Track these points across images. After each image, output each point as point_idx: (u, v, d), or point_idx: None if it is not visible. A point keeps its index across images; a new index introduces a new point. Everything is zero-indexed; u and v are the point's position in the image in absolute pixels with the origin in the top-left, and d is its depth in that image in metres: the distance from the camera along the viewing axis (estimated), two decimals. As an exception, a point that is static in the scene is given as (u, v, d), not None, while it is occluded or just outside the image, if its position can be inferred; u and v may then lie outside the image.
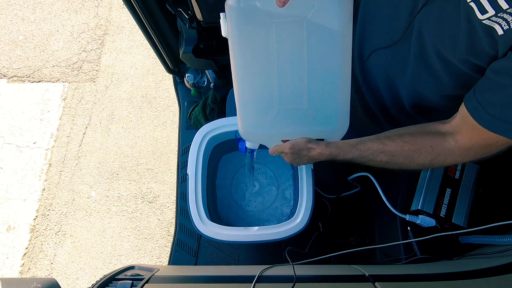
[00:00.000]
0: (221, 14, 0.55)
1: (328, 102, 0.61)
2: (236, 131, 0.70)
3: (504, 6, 0.39)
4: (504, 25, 0.41)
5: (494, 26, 0.42)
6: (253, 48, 0.57)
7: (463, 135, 0.54)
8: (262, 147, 0.76)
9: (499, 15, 0.41)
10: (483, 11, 0.42)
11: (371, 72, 0.73)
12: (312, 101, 0.61)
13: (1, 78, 2.06)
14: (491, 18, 0.42)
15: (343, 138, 0.67)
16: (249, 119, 0.66)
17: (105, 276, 0.49)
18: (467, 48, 0.47)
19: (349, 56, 0.56)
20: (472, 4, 0.43)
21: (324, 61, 0.57)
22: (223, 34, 0.57)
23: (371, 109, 0.81)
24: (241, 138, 0.73)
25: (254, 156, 0.82)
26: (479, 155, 0.54)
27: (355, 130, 0.68)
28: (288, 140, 0.68)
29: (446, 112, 0.60)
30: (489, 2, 0.41)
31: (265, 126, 0.66)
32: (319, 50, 0.55)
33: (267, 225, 0.78)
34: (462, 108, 0.53)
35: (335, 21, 0.52)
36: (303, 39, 0.54)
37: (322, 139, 0.68)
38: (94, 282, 0.48)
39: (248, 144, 0.76)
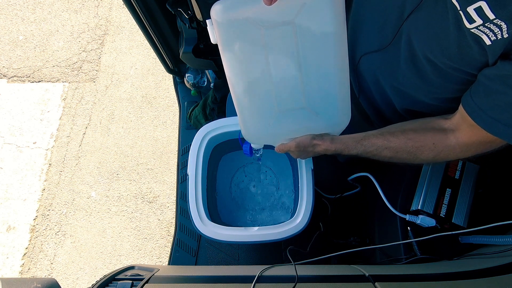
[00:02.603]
0: (207, 21, 0.53)
1: (328, 98, 0.60)
2: (240, 132, 0.70)
3: (491, 16, 0.40)
4: (492, 36, 0.41)
5: (482, 37, 0.42)
6: (244, 55, 0.55)
7: (463, 132, 0.55)
8: (266, 146, 0.75)
9: (486, 25, 0.41)
10: (470, 20, 0.42)
11: (363, 75, 0.73)
12: (312, 99, 0.60)
13: (1, 78, 2.06)
14: (478, 28, 0.42)
15: (343, 133, 0.67)
16: (250, 123, 0.65)
17: (105, 276, 0.49)
18: (456, 55, 0.48)
19: (344, 47, 0.54)
20: (461, 13, 0.43)
21: (319, 58, 0.55)
22: (212, 41, 0.55)
23: (367, 113, 0.81)
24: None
25: (261, 156, 0.81)
26: (480, 151, 0.55)
27: (351, 130, 0.68)
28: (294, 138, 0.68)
29: (439, 114, 0.60)
30: (476, 12, 0.41)
31: (267, 128, 0.65)
32: (312, 48, 0.53)
33: (267, 225, 0.77)
34: (461, 107, 0.53)
35: (326, 13, 0.49)
36: (295, 40, 0.52)
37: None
38: (94, 282, 0.48)
39: (253, 145, 0.75)
